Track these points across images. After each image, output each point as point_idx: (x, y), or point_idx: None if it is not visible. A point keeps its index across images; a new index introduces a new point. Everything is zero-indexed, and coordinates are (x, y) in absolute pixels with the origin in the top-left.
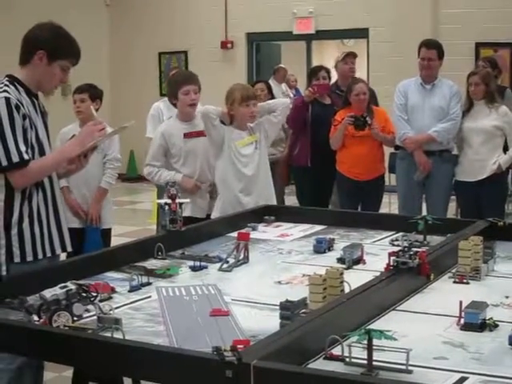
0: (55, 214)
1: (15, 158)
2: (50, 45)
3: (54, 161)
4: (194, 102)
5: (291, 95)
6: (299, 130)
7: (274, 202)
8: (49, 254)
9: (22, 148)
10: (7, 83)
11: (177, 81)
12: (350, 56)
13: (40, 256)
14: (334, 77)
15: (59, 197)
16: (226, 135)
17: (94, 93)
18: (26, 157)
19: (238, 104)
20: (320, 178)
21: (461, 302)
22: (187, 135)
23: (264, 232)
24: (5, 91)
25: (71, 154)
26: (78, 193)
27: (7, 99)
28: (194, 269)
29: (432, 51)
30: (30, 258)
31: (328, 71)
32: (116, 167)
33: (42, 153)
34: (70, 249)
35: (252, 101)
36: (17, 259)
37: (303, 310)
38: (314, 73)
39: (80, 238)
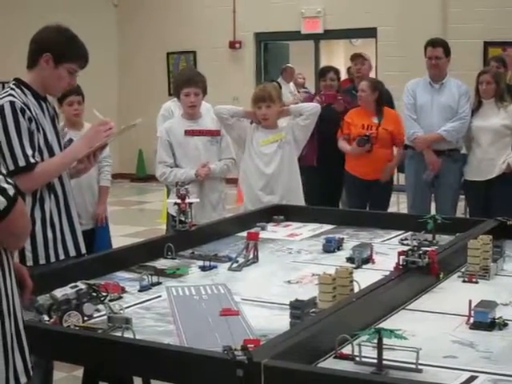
0: (68, 217)
1: (21, 162)
2: (57, 47)
3: (61, 162)
4: (192, 104)
5: (298, 95)
6: None
7: (301, 203)
8: (62, 257)
9: (29, 152)
10: (13, 87)
11: (178, 82)
12: (358, 57)
13: (53, 259)
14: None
15: (72, 200)
16: (249, 133)
17: (83, 95)
18: (32, 160)
19: (253, 105)
20: (327, 177)
21: (470, 301)
22: (188, 132)
23: (273, 231)
24: (10, 95)
25: (78, 155)
26: (77, 193)
27: (12, 103)
28: (203, 268)
29: (438, 49)
30: (42, 261)
31: (337, 72)
32: (111, 164)
33: (51, 155)
34: (84, 251)
35: (262, 103)
36: (29, 262)
37: (313, 310)
38: (322, 74)
39: (89, 238)
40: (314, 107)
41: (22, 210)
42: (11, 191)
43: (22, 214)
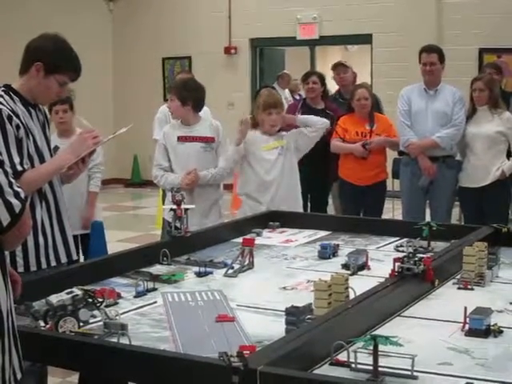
0: (59, 224)
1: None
2: (49, 57)
3: (48, 170)
4: (170, 109)
5: (292, 101)
6: None
7: (300, 210)
8: (53, 264)
9: (16, 159)
10: (2, 93)
11: None
12: (340, 66)
13: (44, 266)
14: (330, 82)
15: (63, 206)
16: (248, 139)
17: (72, 103)
18: (19, 168)
19: (261, 111)
20: (312, 185)
21: (465, 308)
22: (181, 138)
23: (269, 238)
24: None
25: (65, 163)
26: (67, 198)
27: None
28: (199, 274)
29: (433, 55)
30: (33, 267)
31: (321, 76)
32: (102, 171)
33: (42, 162)
34: (75, 257)
35: (274, 109)
36: (20, 269)
37: (308, 316)
38: (305, 78)
39: (84, 243)
40: (325, 123)
41: (28, 214)
42: (22, 194)
43: (29, 217)
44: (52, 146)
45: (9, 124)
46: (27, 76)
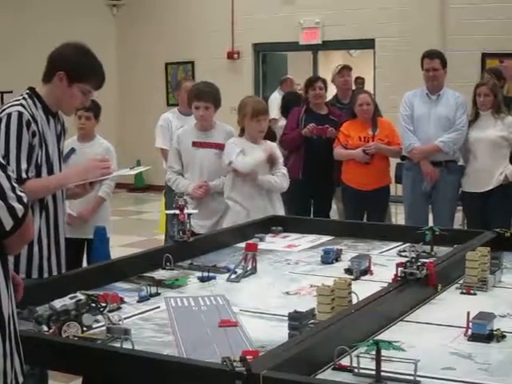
0: (56, 236)
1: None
2: (72, 66)
3: (52, 185)
4: (201, 117)
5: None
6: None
7: (281, 213)
8: (45, 275)
9: (23, 166)
10: (26, 96)
11: (191, 94)
12: (346, 69)
13: (35, 275)
14: (331, 88)
15: (62, 219)
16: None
17: (97, 111)
18: (23, 175)
19: (249, 119)
20: (314, 190)
21: (468, 313)
22: (196, 144)
23: (272, 242)
24: (20, 105)
25: (67, 182)
26: (77, 204)
27: (20, 114)
28: (202, 279)
29: (435, 61)
30: (22, 275)
31: (324, 82)
32: (114, 179)
33: (50, 172)
34: (63, 270)
35: (263, 116)
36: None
37: (311, 321)
38: (310, 83)
39: (88, 248)
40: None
41: (31, 218)
42: (25, 199)
43: (32, 222)
44: (69, 148)
45: (26, 129)
46: (51, 85)
